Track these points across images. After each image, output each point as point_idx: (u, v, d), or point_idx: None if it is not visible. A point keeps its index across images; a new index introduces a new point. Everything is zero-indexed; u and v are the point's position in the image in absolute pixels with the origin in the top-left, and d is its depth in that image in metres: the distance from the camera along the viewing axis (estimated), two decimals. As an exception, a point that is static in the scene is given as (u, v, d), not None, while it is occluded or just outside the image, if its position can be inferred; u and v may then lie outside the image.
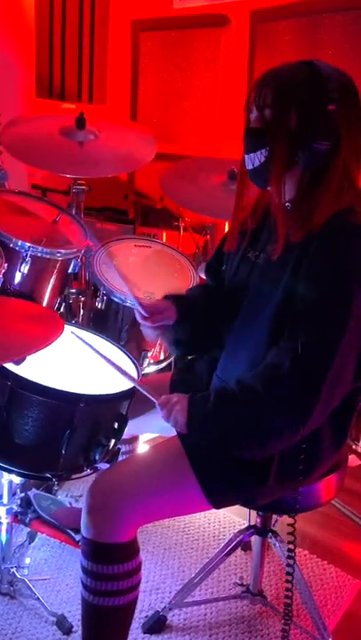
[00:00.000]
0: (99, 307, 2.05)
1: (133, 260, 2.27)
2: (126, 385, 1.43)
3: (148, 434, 1.96)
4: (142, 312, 1.42)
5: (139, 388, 1.35)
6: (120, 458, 1.55)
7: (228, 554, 1.65)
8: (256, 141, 1.23)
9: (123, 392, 1.41)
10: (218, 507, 1.34)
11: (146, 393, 1.31)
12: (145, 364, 2.18)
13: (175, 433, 1.34)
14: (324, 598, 1.80)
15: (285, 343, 1.19)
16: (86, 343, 1.44)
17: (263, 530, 1.60)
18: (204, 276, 2.25)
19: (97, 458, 1.42)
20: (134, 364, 1.56)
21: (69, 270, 2.04)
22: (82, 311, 2.37)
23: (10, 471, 1.41)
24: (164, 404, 1.28)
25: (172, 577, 1.83)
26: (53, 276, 2.02)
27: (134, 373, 1.49)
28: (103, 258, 2.19)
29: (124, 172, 2.21)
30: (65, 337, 1.41)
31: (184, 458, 1.30)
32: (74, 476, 1.45)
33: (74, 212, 2.38)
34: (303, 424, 1.17)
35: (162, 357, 2.23)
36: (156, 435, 2.10)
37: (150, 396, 1.30)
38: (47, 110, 3.51)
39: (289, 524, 1.29)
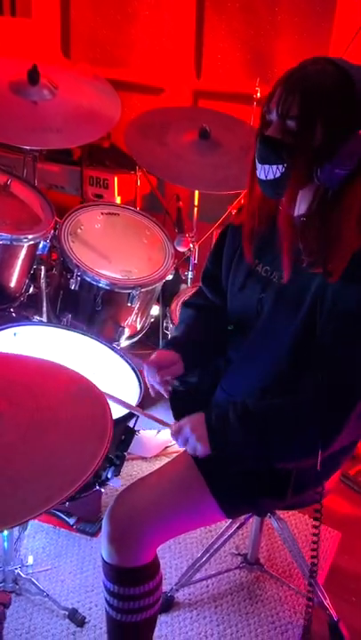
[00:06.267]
0: (72, 288, 1.93)
1: (100, 227, 2.13)
2: (134, 401, 1.39)
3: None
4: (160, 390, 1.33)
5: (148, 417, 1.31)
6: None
7: (231, 535, 1.73)
8: (274, 154, 1.12)
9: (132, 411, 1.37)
10: (233, 518, 1.37)
11: (155, 421, 1.28)
12: (122, 339, 2.12)
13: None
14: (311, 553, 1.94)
15: (309, 375, 1.17)
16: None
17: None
18: (180, 249, 2.17)
19: (109, 476, 1.40)
20: (134, 371, 1.51)
21: (38, 251, 1.88)
22: (43, 281, 2.19)
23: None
24: (178, 432, 1.25)
25: (170, 550, 1.90)
26: (20, 260, 1.86)
27: (136, 390, 1.45)
28: (70, 229, 2.04)
29: (92, 139, 1.97)
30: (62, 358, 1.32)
31: (199, 478, 1.29)
32: (84, 495, 1.43)
33: (25, 173, 2.16)
34: (327, 446, 1.19)
35: (138, 328, 2.17)
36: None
37: (162, 425, 1.27)
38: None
39: (315, 518, 1.34)
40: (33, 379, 1.07)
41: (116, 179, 2.89)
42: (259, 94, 2.39)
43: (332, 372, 1.15)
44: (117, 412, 1.35)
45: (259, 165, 1.16)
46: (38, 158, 2.86)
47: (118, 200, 2.88)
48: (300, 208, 1.19)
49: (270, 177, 1.15)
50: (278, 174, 1.13)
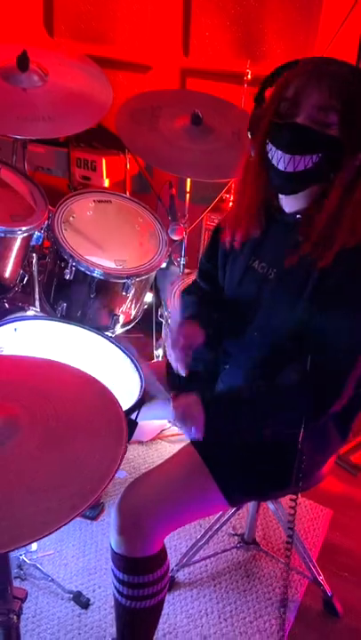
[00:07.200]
0: (67, 278, 1.93)
1: (92, 215, 2.12)
2: (136, 393, 1.42)
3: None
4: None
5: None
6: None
7: (230, 517, 1.79)
8: (311, 144, 1.10)
9: (136, 403, 1.41)
10: (236, 506, 1.42)
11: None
12: (117, 326, 2.13)
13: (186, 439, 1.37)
14: (304, 532, 2.01)
15: (300, 364, 1.21)
16: None
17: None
18: (174, 238, 2.17)
19: (113, 469, 1.43)
20: (134, 364, 1.53)
21: (32, 242, 1.87)
22: (35, 270, 2.18)
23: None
24: (178, 410, 1.26)
25: (169, 532, 1.96)
26: (14, 251, 1.85)
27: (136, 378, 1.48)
28: (63, 217, 2.02)
29: (84, 128, 1.93)
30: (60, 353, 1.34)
31: (205, 472, 1.33)
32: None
33: (14, 160, 2.12)
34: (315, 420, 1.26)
35: (133, 316, 2.18)
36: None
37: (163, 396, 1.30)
38: None
39: (291, 500, 1.39)
40: (43, 382, 1.08)
41: (104, 161, 2.85)
42: (250, 76, 2.36)
43: (323, 359, 1.20)
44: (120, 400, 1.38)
45: (286, 156, 1.11)
46: (27, 143, 2.82)
47: (107, 182, 2.85)
48: (299, 205, 1.20)
49: (300, 168, 1.12)
50: (311, 165, 1.11)
